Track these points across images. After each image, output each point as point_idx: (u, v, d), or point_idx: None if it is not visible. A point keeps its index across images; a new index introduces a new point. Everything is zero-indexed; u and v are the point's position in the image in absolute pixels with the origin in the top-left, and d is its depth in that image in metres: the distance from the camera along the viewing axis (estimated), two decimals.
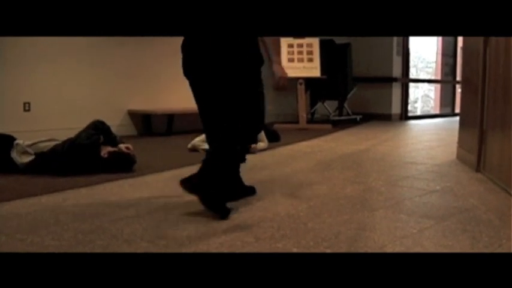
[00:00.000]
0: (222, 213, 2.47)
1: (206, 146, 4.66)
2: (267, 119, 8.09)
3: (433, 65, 13.00)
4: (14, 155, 3.53)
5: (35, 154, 3.53)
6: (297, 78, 7.61)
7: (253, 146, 4.62)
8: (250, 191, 2.91)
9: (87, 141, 3.53)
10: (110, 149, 3.63)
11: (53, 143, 3.63)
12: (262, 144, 4.91)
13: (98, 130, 3.65)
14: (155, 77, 6.48)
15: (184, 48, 2.64)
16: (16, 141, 3.60)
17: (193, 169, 3.83)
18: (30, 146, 3.60)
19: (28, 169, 3.48)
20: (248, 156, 4.38)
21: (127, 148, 3.68)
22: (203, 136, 4.81)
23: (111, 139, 3.72)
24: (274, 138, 5.46)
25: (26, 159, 3.52)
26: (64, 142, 3.59)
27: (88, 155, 3.52)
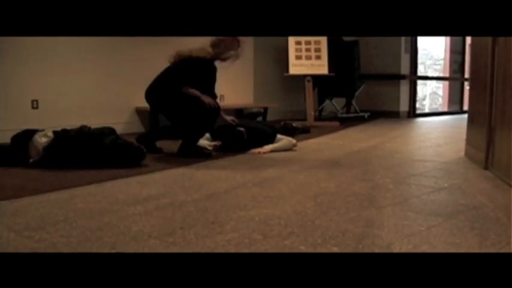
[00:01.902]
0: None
1: (204, 144, 4.68)
2: (275, 116, 8.08)
3: (442, 62, 12.93)
4: (36, 137, 3.69)
5: (54, 132, 3.70)
6: (305, 76, 7.60)
7: (258, 149, 4.62)
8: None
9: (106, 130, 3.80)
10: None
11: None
12: (283, 142, 4.85)
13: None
14: None
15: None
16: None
17: (200, 166, 3.86)
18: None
19: (47, 152, 3.62)
20: (256, 155, 4.41)
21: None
22: (207, 136, 4.83)
23: None
24: (288, 133, 5.48)
25: (46, 139, 3.67)
26: (83, 126, 3.80)
27: (101, 139, 3.70)
